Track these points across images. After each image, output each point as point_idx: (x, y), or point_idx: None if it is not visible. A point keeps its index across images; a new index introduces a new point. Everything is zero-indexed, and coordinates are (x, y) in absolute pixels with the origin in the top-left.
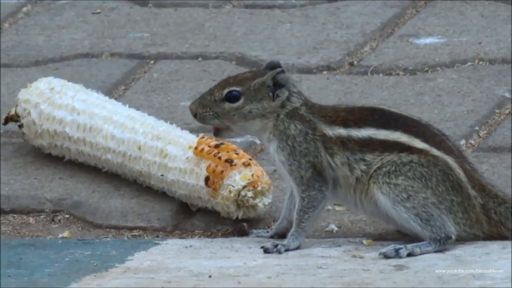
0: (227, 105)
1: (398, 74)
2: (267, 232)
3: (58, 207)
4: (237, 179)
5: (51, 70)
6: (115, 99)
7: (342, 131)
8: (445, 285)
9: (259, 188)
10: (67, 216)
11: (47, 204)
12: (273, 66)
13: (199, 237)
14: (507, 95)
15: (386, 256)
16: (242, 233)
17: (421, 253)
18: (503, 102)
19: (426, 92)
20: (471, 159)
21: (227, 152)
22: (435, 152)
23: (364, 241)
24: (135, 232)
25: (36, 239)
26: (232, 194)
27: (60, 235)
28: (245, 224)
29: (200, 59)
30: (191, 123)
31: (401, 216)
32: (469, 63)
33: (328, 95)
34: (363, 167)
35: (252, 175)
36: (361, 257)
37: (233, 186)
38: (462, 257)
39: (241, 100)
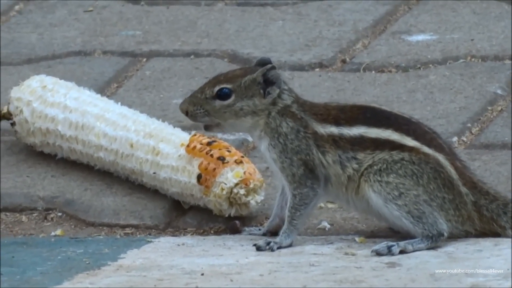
0: (218, 102)
1: (390, 71)
2: (260, 229)
3: (50, 205)
4: (229, 176)
5: (43, 68)
6: (108, 97)
7: (333, 129)
8: (437, 282)
9: (251, 186)
10: (59, 214)
11: (40, 202)
12: (263, 62)
13: (191, 235)
14: (499, 92)
15: (378, 254)
16: (235, 230)
17: (414, 250)
18: (495, 99)
19: (418, 89)
20: (463, 156)
21: (219, 149)
22: (426, 149)
23: (357, 239)
24: (127, 230)
25: (28, 237)
26: (224, 192)
27: (53, 233)
28: (237, 221)
29: (192, 56)
30: (183, 120)
31: (393, 214)
32: (461, 60)
33: (321, 93)
34: (355, 166)
35: (244, 173)
36: (353, 255)
37: (225, 184)
38: (454, 254)
39: (232, 98)
